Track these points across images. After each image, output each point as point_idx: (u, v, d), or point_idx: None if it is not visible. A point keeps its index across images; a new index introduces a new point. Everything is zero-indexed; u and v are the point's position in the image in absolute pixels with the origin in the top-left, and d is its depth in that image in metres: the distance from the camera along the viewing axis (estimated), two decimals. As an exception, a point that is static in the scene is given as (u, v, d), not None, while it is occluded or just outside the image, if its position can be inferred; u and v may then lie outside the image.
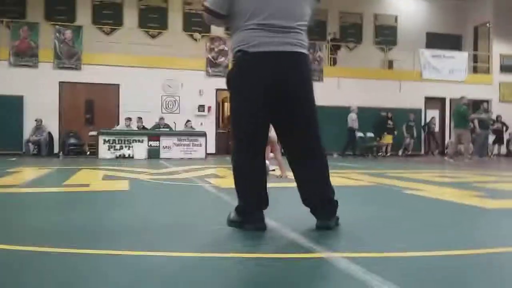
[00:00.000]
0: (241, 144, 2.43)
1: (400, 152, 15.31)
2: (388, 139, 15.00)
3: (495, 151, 16.05)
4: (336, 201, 2.45)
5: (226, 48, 14.60)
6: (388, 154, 14.96)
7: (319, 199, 2.41)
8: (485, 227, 2.75)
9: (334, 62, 16.61)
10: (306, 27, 2.44)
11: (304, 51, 2.41)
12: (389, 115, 15.15)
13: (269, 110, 2.37)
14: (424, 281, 1.56)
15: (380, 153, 14.83)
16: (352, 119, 13.97)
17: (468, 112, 11.86)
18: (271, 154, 6.11)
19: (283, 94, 2.35)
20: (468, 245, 2.13)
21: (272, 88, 2.32)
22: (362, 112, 14.53)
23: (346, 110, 14.35)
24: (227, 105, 17.17)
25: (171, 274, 1.61)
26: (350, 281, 1.53)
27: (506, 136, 16.44)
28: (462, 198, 3.83)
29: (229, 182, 5.10)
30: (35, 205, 3.46)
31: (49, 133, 13.22)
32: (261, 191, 2.42)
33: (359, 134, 14.60)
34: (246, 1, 2.33)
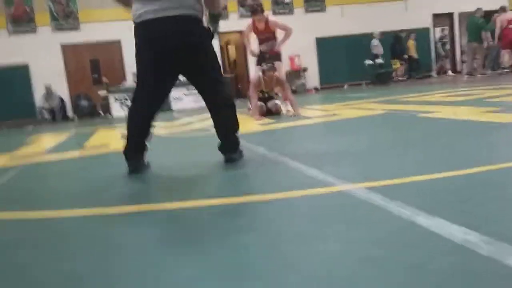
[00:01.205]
0: (135, 95, 2.80)
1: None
2: (395, 63, 14.69)
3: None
4: (237, 138, 2.87)
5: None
6: (399, 79, 14.68)
7: (225, 137, 2.85)
8: (503, 142, 2.78)
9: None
10: None
11: (186, 12, 2.57)
12: (398, 37, 14.64)
13: (172, 71, 2.73)
14: (444, 202, 1.62)
15: (393, 79, 14.52)
16: (374, 45, 13.82)
17: (486, 25, 11.49)
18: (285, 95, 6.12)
19: (176, 57, 2.62)
20: (487, 161, 2.16)
21: (162, 53, 2.60)
22: (370, 38, 14.20)
23: (352, 39, 14.02)
24: (231, 48, 16.95)
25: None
26: (372, 209, 1.60)
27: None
28: (477, 116, 3.84)
29: (242, 127, 5.16)
30: (59, 171, 3.57)
31: (60, 98, 13.30)
32: (141, 136, 2.80)
33: (368, 61, 14.34)
34: None
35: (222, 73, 2.90)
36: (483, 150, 2.52)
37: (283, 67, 6.51)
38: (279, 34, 6.46)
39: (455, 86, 9.03)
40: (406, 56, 14.74)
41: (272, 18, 6.30)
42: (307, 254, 1.27)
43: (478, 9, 11.59)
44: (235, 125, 2.87)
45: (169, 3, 2.55)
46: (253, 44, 6.52)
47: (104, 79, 12.98)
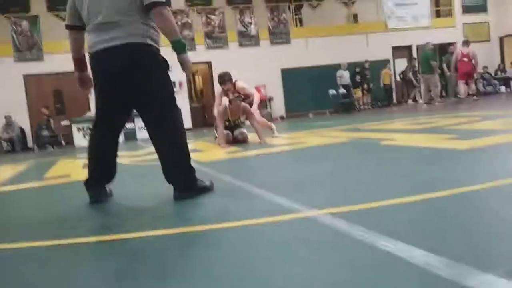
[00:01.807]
0: (93, 125, 2.81)
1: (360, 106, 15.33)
2: (357, 93, 15.14)
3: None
4: (187, 174, 2.67)
5: (189, 21, 14.35)
6: (361, 107, 15.07)
7: (173, 177, 2.67)
8: (460, 167, 2.88)
9: (300, 23, 16.52)
10: (138, 13, 2.55)
11: (135, 40, 2.54)
12: (357, 69, 15.21)
13: (120, 100, 2.67)
14: (405, 226, 1.66)
15: (356, 108, 14.91)
16: (339, 76, 14.28)
17: (434, 57, 12.15)
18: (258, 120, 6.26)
19: (120, 85, 2.59)
20: (445, 186, 2.22)
21: (108, 82, 2.62)
22: (333, 69, 14.61)
23: (316, 70, 14.40)
24: (198, 79, 17.05)
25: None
26: (336, 234, 1.61)
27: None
28: (435, 142, 3.97)
29: (208, 155, 5.15)
30: (17, 202, 3.45)
31: (20, 128, 12.94)
32: (102, 167, 2.79)
33: (332, 91, 14.70)
34: (82, 7, 2.63)
35: (172, 103, 2.69)
36: (441, 176, 2.60)
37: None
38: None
39: (415, 115, 9.34)
40: (370, 85, 15.20)
41: (239, 83, 6.40)
42: (274, 279, 1.27)
43: (427, 43, 12.37)
44: (182, 162, 2.67)
45: (119, 32, 2.53)
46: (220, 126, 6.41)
47: (44, 110, 12.69)
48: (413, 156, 3.56)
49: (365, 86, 15.23)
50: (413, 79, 15.55)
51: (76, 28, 2.75)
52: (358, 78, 15.10)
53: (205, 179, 2.79)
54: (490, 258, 1.27)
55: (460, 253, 1.31)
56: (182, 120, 2.75)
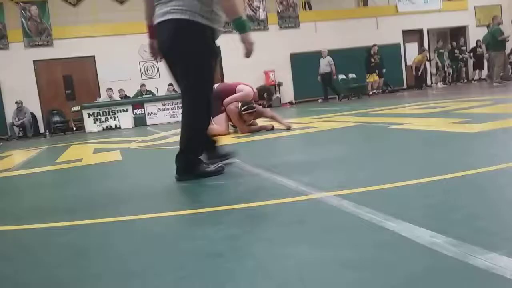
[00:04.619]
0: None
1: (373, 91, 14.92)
2: (371, 77, 14.89)
3: (476, 76, 16.22)
4: (188, 158, 2.70)
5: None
6: (374, 92, 14.78)
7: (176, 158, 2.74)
8: (469, 150, 2.87)
9: (309, 6, 16.35)
10: None
11: (177, 16, 2.57)
12: (373, 51, 14.75)
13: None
14: (412, 207, 1.67)
15: (368, 93, 14.66)
16: (325, 64, 13.87)
17: (500, 33, 11.66)
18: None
19: (168, 60, 2.74)
20: (452, 169, 2.22)
21: (165, 55, 2.74)
22: (343, 53, 14.49)
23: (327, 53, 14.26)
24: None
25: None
26: (344, 215, 1.63)
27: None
28: (446, 126, 3.95)
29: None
30: (31, 186, 3.51)
31: (32, 114, 13.07)
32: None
33: (341, 76, 14.60)
34: None
35: (199, 86, 2.68)
36: (448, 159, 2.59)
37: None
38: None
39: (424, 97, 9.25)
40: (383, 70, 14.95)
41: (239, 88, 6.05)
42: (279, 258, 1.29)
43: (495, 16, 11.94)
44: (183, 144, 2.73)
45: (172, 6, 2.59)
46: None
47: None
48: (422, 139, 3.54)
49: (377, 71, 14.91)
50: (438, 61, 15.37)
51: None
52: (373, 61, 14.76)
53: (215, 162, 2.85)
54: (496, 238, 1.28)
55: (466, 233, 1.32)
56: (206, 107, 2.73)
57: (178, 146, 2.75)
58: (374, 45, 14.88)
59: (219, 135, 5.60)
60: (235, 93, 5.75)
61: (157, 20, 2.66)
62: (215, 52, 2.75)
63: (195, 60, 2.64)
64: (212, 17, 2.62)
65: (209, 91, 2.75)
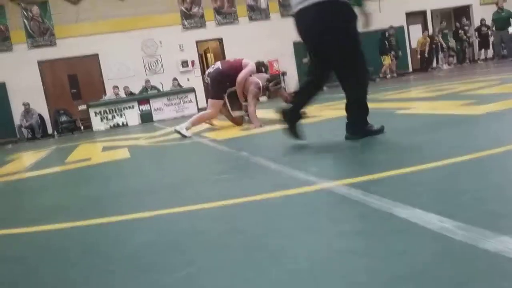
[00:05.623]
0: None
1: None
2: (385, 60, 14.58)
3: (482, 55, 16.04)
4: (357, 116, 3.04)
5: (198, -4, 14.22)
6: (388, 76, 14.53)
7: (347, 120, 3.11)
8: (476, 132, 2.85)
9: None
10: None
11: (312, 1, 2.87)
12: (388, 33, 14.44)
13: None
14: (420, 193, 1.67)
15: (379, 76, 14.38)
16: None
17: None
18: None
19: (309, 44, 3.14)
20: (458, 153, 2.21)
21: (305, 40, 3.14)
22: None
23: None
24: (210, 56, 16.98)
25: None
26: (352, 203, 1.64)
27: (491, 40, 16.34)
28: (454, 109, 3.93)
29: (224, 133, 5.19)
30: (43, 187, 3.55)
31: (40, 115, 13.15)
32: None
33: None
34: None
35: (352, 53, 3.04)
36: (455, 142, 2.59)
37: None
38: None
39: (430, 81, 9.18)
40: (398, 52, 14.76)
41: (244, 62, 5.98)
42: (290, 247, 1.31)
43: None
44: (351, 107, 3.07)
45: None
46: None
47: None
48: (429, 123, 3.53)
49: (393, 53, 14.58)
50: (443, 43, 15.19)
51: None
52: (387, 44, 14.42)
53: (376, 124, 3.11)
54: (506, 221, 1.28)
55: (475, 217, 1.32)
56: (363, 69, 3.12)
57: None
58: (391, 27, 14.67)
59: (208, 118, 5.77)
60: (242, 69, 5.75)
61: (296, 7, 2.99)
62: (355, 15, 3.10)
63: (342, 33, 2.99)
64: None
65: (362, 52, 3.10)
